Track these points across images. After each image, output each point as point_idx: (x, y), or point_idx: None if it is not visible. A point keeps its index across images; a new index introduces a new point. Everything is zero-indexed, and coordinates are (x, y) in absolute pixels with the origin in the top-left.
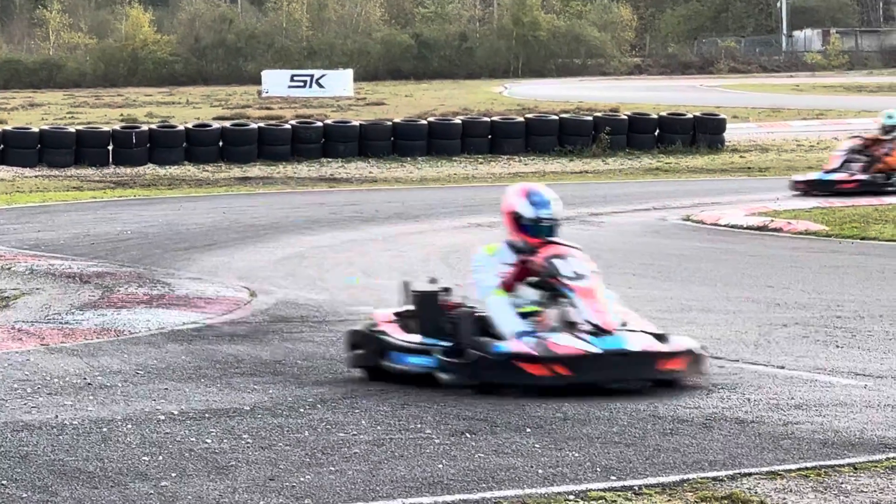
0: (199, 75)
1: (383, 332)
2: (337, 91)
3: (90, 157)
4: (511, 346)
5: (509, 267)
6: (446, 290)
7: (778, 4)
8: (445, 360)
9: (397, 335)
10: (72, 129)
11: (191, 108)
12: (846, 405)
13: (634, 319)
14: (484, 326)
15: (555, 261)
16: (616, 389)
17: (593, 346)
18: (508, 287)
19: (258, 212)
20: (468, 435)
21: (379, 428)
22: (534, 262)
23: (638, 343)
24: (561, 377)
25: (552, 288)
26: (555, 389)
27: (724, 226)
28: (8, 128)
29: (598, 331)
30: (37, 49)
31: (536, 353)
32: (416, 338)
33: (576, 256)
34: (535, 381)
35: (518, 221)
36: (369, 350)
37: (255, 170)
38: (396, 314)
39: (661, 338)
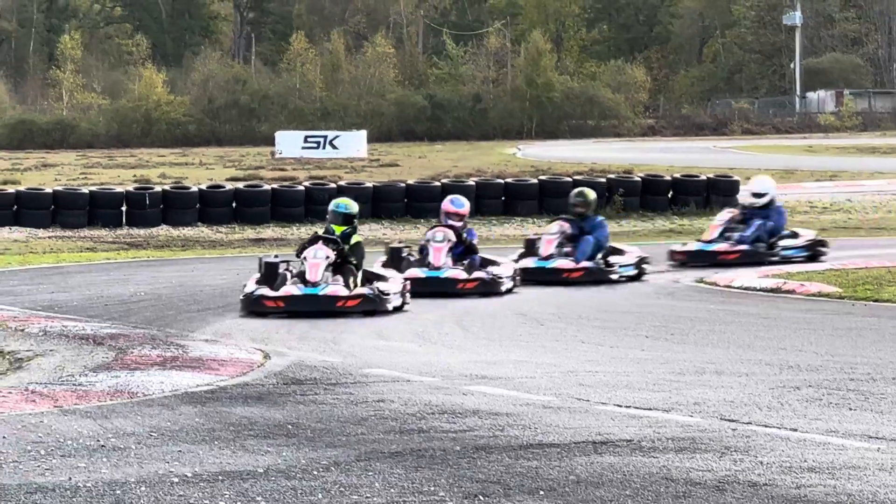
0: (212, 136)
1: None
2: (350, 152)
3: (103, 218)
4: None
5: None
6: None
7: (791, 66)
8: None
9: None
10: (85, 190)
11: (204, 169)
12: (859, 468)
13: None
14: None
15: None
16: (632, 452)
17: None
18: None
19: None
20: (481, 497)
21: (392, 490)
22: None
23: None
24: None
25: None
26: None
27: (738, 287)
28: (22, 188)
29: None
30: (50, 109)
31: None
32: None
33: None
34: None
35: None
36: None
37: (269, 231)
38: None
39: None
